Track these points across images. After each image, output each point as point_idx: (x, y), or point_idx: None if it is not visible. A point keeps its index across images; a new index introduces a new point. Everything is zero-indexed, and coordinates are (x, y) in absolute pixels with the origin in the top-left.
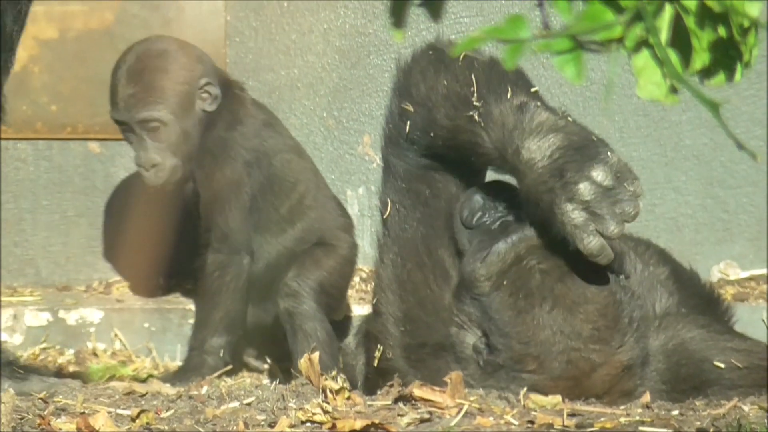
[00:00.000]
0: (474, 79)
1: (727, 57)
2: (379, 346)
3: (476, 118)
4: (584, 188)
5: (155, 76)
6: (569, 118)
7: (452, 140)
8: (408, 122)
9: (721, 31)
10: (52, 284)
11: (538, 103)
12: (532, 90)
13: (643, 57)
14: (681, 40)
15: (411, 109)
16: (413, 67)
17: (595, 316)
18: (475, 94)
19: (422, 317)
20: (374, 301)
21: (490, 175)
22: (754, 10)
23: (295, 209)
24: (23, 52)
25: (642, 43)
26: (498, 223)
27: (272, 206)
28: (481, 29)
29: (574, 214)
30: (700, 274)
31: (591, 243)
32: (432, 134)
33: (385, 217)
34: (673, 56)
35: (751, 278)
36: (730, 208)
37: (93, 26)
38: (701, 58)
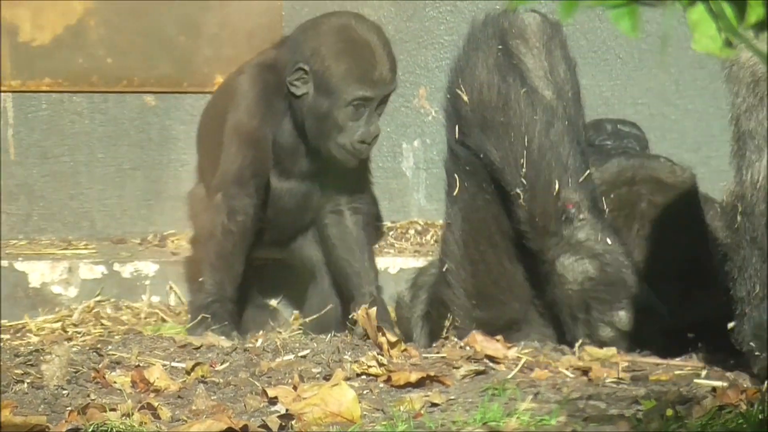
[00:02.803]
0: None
1: None
2: (449, 315)
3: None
4: (603, 332)
5: (391, 49)
6: (608, 241)
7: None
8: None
9: None
10: (107, 237)
11: (582, 215)
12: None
13: (698, 11)
14: None
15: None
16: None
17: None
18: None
19: (497, 294)
20: (444, 270)
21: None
22: None
23: None
24: (79, 5)
25: None
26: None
27: None
28: None
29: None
30: None
31: None
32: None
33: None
34: (728, 10)
35: None
36: None
37: None
38: (756, 12)
